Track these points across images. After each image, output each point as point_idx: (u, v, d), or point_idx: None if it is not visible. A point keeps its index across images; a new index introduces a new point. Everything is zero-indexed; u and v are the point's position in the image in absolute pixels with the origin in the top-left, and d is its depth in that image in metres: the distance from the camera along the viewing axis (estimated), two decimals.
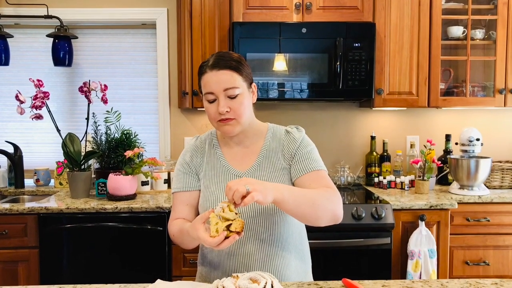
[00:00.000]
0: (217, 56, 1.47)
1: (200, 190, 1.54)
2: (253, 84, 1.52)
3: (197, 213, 1.54)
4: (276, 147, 1.54)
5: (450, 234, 2.64)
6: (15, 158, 3.00)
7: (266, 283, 1.01)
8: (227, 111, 1.42)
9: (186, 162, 1.57)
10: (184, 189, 1.54)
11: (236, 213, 1.21)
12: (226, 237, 1.20)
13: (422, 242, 2.54)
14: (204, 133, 1.64)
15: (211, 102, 1.44)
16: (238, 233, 1.21)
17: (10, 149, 3.03)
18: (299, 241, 1.56)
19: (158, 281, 1.42)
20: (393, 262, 2.57)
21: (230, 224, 1.20)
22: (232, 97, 1.43)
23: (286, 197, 1.29)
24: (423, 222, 2.54)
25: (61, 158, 2.96)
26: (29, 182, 3.15)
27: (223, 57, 1.46)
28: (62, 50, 3.05)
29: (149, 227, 2.52)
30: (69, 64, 3.11)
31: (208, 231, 1.23)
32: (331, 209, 1.39)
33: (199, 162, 1.56)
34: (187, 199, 1.54)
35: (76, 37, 3.15)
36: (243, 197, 1.20)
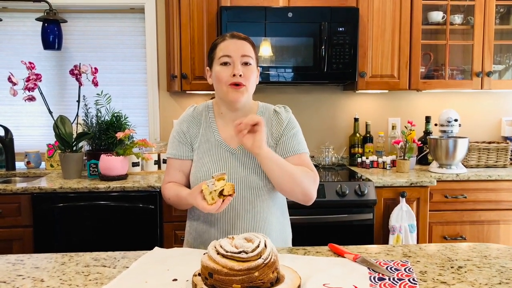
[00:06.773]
0: (235, 32, 1.61)
1: (192, 159, 1.64)
2: (258, 67, 1.64)
3: (189, 180, 1.65)
4: (265, 125, 1.63)
5: (430, 211, 2.77)
6: (6, 141, 3.04)
7: (260, 242, 1.10)
8: (240, 75, 1.53)
9: (183, 131, 1.65)
10: (178, 157, 1.65)
11: (223, 179, 1.37)
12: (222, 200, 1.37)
13: (402, 217, 2.66)
14: (201, 104, 1.71)
15: (224, 64, 1.55)
16: (230, 195, 1.37)
17: (1, 132, 3.06)
18: (281, 212, 1.66)
19: (156, 248, 1.51)
20: (375, 237, 2.69)
21: (223, 190, 1.36)
22: (246, 64, 1.55)
23: (273, 158, 1.48)
24: (404, 198, 2.67)
25: (51, 141, 3.01)
26: (19, 165, 3.19)
27: (242, 34, 1.61)
28: (52, 34, 3.08)
29: (140, 205, 2.59)
30: (59, 48, 3.14)
31: (205, 200, 1.38)
32: (306, 185, 1.52)
33: (195, 133, 1.65)
34: (179, 166, 1.65)
35: (66, 21, 3.18)
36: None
